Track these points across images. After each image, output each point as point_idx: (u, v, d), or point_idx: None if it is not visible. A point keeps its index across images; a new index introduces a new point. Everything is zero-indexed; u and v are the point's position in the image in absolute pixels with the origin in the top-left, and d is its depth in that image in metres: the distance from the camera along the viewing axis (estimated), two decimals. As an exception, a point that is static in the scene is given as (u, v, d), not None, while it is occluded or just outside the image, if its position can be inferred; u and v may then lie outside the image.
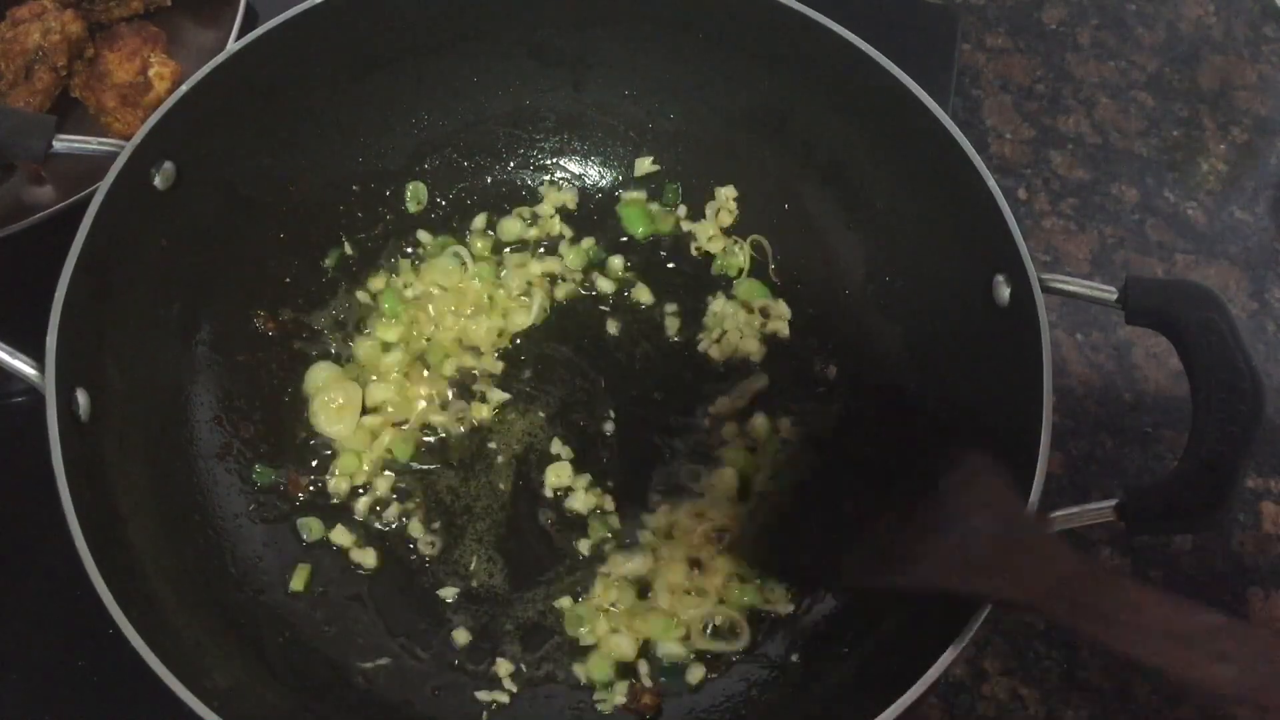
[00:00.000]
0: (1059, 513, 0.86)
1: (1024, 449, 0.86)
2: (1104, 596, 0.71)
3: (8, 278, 1.06)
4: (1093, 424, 1.17)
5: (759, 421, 1.06)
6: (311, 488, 1.03)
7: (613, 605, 0.99)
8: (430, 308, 1.10)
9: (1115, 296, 0.89)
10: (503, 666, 0.97)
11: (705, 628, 0.98)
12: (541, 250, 1.14)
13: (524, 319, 1.10)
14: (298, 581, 0.99)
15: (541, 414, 1.07)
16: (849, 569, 0.88)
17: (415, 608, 0.99)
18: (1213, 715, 1.04)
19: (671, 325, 1.12)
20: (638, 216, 1.15)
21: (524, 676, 0.97)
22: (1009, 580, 0.76)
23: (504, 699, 0.96)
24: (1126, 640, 0.68)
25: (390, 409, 1.06)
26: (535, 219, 1.15)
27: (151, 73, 1.19)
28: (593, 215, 1.16)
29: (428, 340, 1.09)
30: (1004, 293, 0.93)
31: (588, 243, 1.14)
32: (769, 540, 0.99)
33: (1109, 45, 1.40)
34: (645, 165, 1.16)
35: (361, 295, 1.10)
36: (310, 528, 1.01)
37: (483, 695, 0.96)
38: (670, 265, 1.15)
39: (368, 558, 1.01)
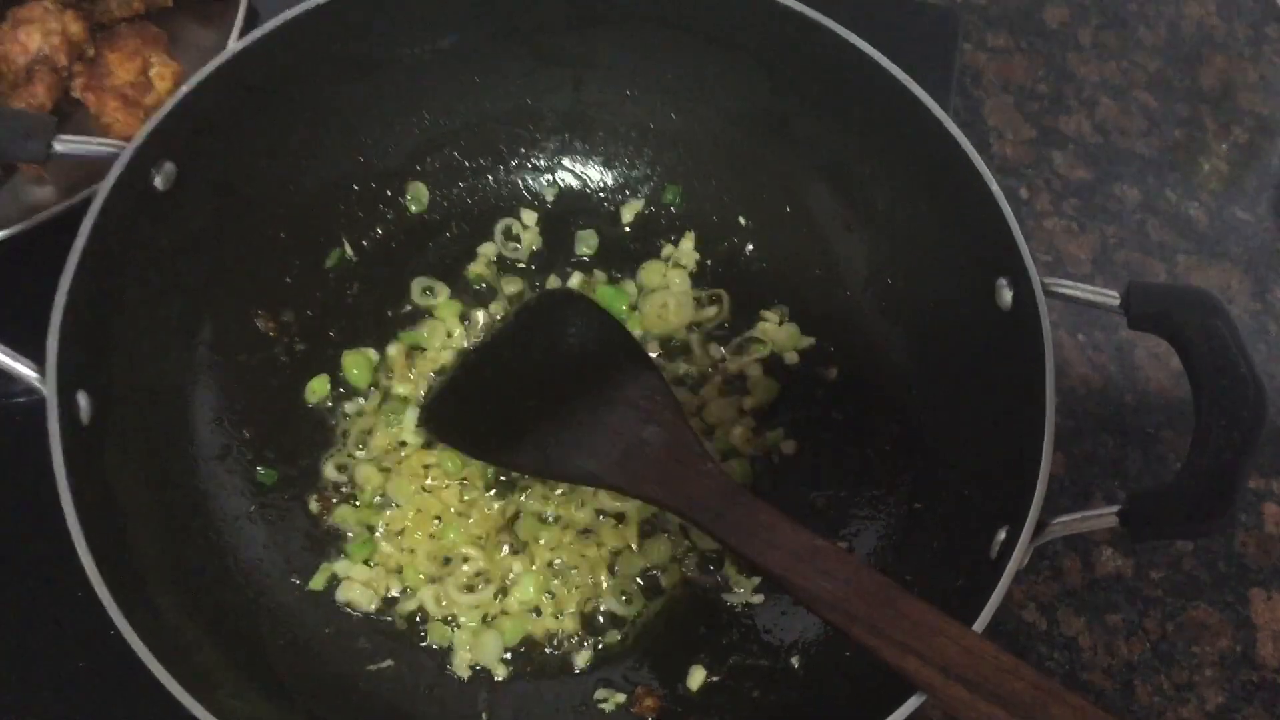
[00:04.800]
0: (1062, 518, 0.85)
1: (1026, 452, 0.86)
2: (745, 515, 0.86)
3: (8, 279, 1.05)
4: (1094, 425, 1.17)
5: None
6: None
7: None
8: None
9: (1118, 301, 0.89)
10: (500, 670, 0.98)
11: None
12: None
13: None
14: (319, 581, 0.99)
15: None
16: (525, 454, 0.98)
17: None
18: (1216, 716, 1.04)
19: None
20: (615, 298, 1.12)
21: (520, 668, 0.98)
22: (669, 490, 0.90)
23: (499, 674, 0.97)
24: (757, 551, 0.85)
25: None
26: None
27: (152, 73, 1.18)
28: (593, 217, 1.17)
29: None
30: (1006, 296, 0.93)
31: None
32: (457, 409, 1.04)
33: (1110, 45, 1.40)
34: (635, 208, 1.16)
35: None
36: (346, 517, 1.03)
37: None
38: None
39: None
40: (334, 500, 1.03)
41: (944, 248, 1.02)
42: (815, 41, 1.03)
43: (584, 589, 1.00)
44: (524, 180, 1.17)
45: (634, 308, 1.12)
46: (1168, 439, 1.16)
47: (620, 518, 1.02)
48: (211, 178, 1.01)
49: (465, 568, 1.00)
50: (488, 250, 1.14)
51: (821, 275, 1.12)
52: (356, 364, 1.08)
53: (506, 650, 0.98)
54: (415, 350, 1.10)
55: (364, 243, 1.13)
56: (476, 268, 1.13)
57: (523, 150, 1.17)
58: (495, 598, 1.00)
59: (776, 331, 1.11)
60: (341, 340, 1.09)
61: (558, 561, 1.01)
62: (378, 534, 1.02)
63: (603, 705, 0.96)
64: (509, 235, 1.15)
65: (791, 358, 1.10)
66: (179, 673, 0.79)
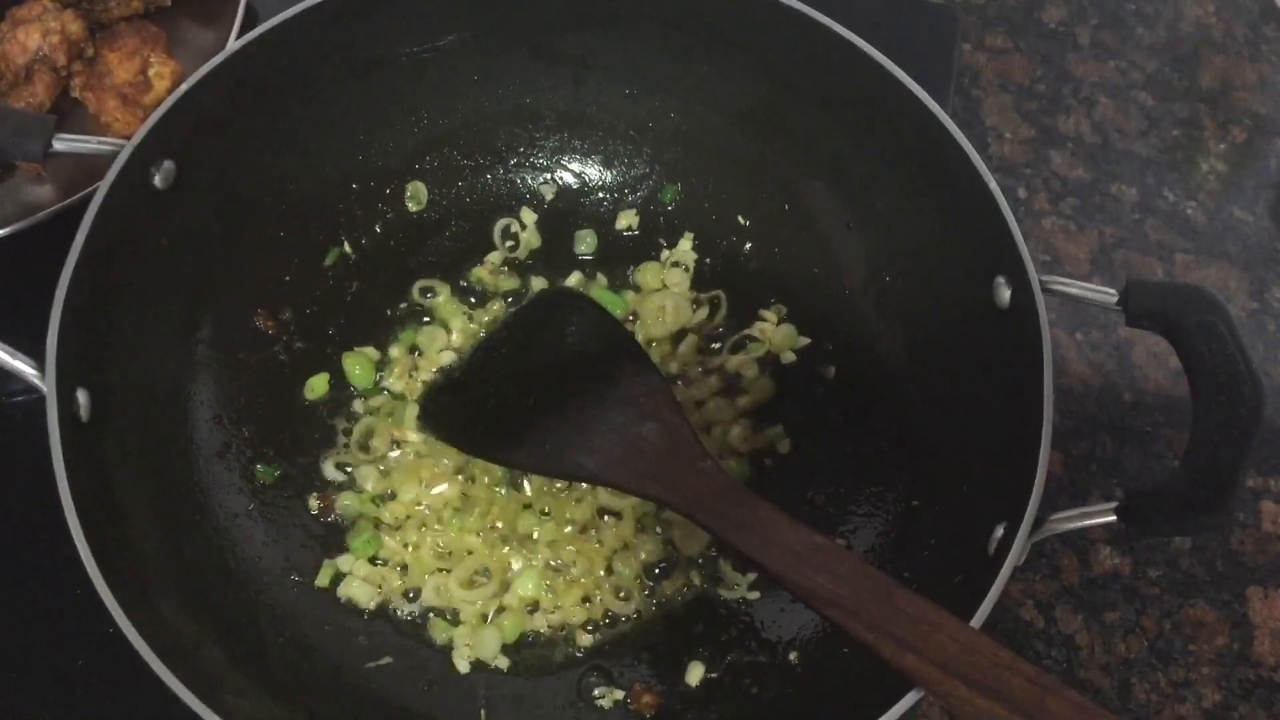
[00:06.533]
0: (1060, 514, 0.86)
1: (1025, 451, 0.86)
2: (744, 512, 0.86)
3: (8, 278, 1.06)
4: (1092, 423, 1.17)
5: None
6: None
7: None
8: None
9: (1116, 299, 0.89)
10: (499, 666, 0.98)
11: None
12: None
13: None
14: (323, 577, 1.00)
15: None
16: (524, 452, 0.98)
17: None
18: (1215, 714, 1.05)
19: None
20: (612, 303, 1.12)
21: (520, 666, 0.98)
22: (668, 487, 0.90)
23: (499, 670, 0.97)
24: (756, 548, 0.85)
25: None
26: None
27: (151, 72, 1.19)
28: (592, 216, 1.17)
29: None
30: (1004, 295, 0.93)
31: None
32: (457, 406, 1.04)
33: (1109, 45, 1.41)
34: (633, 207, 1.16)
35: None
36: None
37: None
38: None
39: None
40: (334, 499, 1.03)
41: (942, 246, 1.02)
42: (815, 41, 1.03)
43: (583, 586, 1.00)
44: (523, 179, 1.17)
45: (632, 313, 1.13)
46: (1166, 437, 1.16)
47: (619, 515, 1.03)
48: (211, 176, 1.02)
49: (465, 564, 1.01)
50: (494, 257, 1.14)
51: (820, 274, 1.12)
52: (357, 363, 1.08)
53: (506, 646, 0.98)
54: (415, 349, 1.10)
55: (363, 241, 1.13)
56: (480, 271, 1.14)
57: (522, 149, 1.17)
58: (495, 594, 1.00)
59: (773, 331, 1.11)
60: (341, 338, 1.10)
61: (557, 559, 1.01)
62: (380, 530, 1.02)
63: (600, 702, 0.97)
64: (508, 234, 1.15)
65: (788, 357, 1.11)
66: (180, 671, 0.79)
